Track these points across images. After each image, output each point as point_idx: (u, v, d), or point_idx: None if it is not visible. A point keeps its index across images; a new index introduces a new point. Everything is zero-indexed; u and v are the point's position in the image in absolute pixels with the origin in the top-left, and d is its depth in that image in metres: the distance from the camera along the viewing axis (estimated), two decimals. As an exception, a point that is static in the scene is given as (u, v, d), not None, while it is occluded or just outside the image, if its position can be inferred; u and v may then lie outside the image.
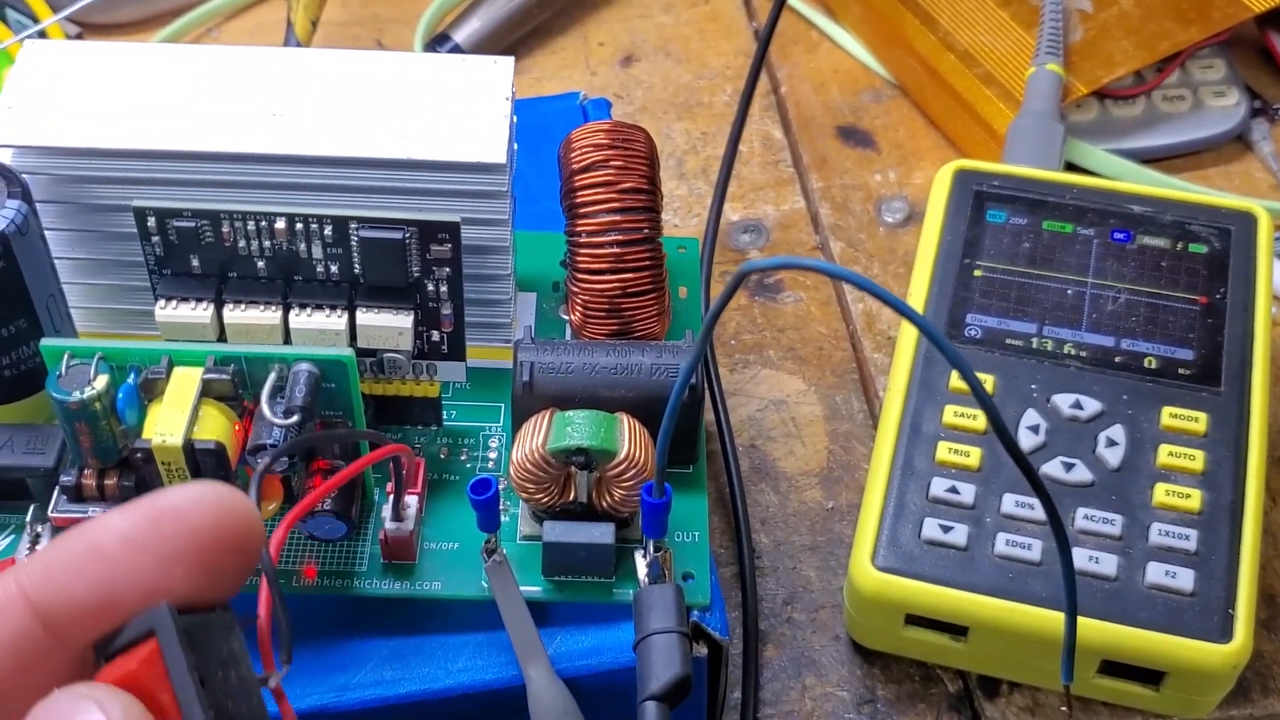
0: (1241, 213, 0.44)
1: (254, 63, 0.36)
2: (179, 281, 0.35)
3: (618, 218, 0.37)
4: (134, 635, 0.20)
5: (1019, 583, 0.36)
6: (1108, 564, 0.37)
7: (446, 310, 0.36)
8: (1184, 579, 0.36)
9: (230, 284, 0.35)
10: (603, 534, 0.34)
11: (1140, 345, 0.41)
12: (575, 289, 0.38)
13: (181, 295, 0.35)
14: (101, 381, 0.32)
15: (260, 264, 0.35)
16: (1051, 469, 0.38)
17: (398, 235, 0.34)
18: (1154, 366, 0.40)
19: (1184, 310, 0.42)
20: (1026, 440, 0.39)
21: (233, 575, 0.22)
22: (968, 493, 0.38)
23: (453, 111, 0.35)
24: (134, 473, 0.33)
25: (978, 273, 0.43)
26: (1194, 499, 0.38)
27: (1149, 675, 0.36)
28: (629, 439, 0.34)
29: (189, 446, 0.32)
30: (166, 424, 0.32)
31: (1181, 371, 0.40)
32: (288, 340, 0.35)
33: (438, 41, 0.57)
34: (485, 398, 0.38)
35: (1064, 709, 0.38)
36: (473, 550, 0.35)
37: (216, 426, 0.32)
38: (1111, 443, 0.39)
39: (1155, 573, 0.36)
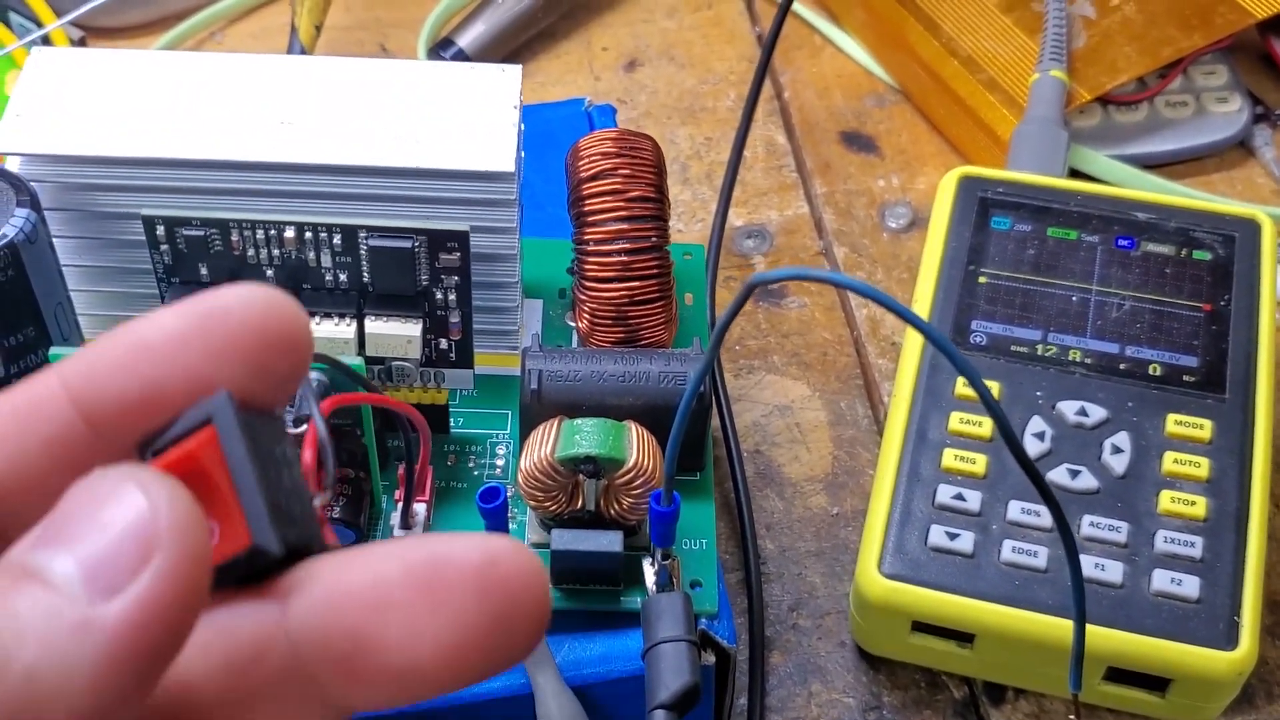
0: (1246, 219, 0.44)
1: (262, 71, 0.36)
2: (187, 290, 0.35)
3: (625, 226, 0.37)
4: (187, 426, 0.19)
5: (1025, 590, 0.37)
6: (1113, 571, 0.37)
7: (455, 318, 0.36)
8: (1189, 586, 0.36)
9: (239, 292, 0.35)
10: (611, 542, 0.34)
11: (1145, 352, 0.41)
12: (582, 296, 0.38)
13: (190, 303, 0.35)
14: (111, 390, 0.32)
15: (269, 272, 0.35)
16: (1057, 476, 0.38)
17: (407, 244, 0.34)
18: (1159, 373, 0.40)
19: (1188, 317, 0.42)
20: (1032, 447, 0.39)
21: (281, 378, 0.20)
22: (974, 500, 0.38)
23: (461, 120, 0.35)
24: (143, 481, 0.33)
25: (982, 279, 0.43)
26: (1199, 506, 0.38)
27: (1155, 682, 0.37)
28: (637, 447, 0.34)
29: (199, 455, 0.32)
30: (176, 433, 0.32)
31: (1186, 378, 0.40)
32: (296, 348, 0.35)
33: (441, 46, 0.57)
34: (493, 405, 0.38)
35: (1071, 717, 0.38)
36: (481, 558, 0.35)
37: (226, 435, 0.32)
38: (1117, 450, 0.39)
39: (1161, 580, 0.36)
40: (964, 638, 0.37)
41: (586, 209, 0.37)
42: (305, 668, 0.18)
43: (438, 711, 0.34)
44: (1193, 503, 0.38)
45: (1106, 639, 0.36)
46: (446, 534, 0.20)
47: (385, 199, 0.35)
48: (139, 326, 0.19)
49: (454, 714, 0.34)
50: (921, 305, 0.42)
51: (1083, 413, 0.40)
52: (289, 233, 0.34)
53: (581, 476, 0.34)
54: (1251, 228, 0.44)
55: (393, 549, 0.18)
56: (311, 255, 0.35)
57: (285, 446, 0.20)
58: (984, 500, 0.38)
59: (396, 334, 0.35)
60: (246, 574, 0.18)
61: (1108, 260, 0.43)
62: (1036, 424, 0.39)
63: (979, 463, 0.39)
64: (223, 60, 0.36)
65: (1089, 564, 0.37)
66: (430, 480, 0.35)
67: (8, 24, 0.56)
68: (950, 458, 0.39)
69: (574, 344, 0.40)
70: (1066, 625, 0.36)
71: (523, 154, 0.37)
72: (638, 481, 0.33)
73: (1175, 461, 0.38)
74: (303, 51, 0.53)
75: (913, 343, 0.42)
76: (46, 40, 0.55)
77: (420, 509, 0.34)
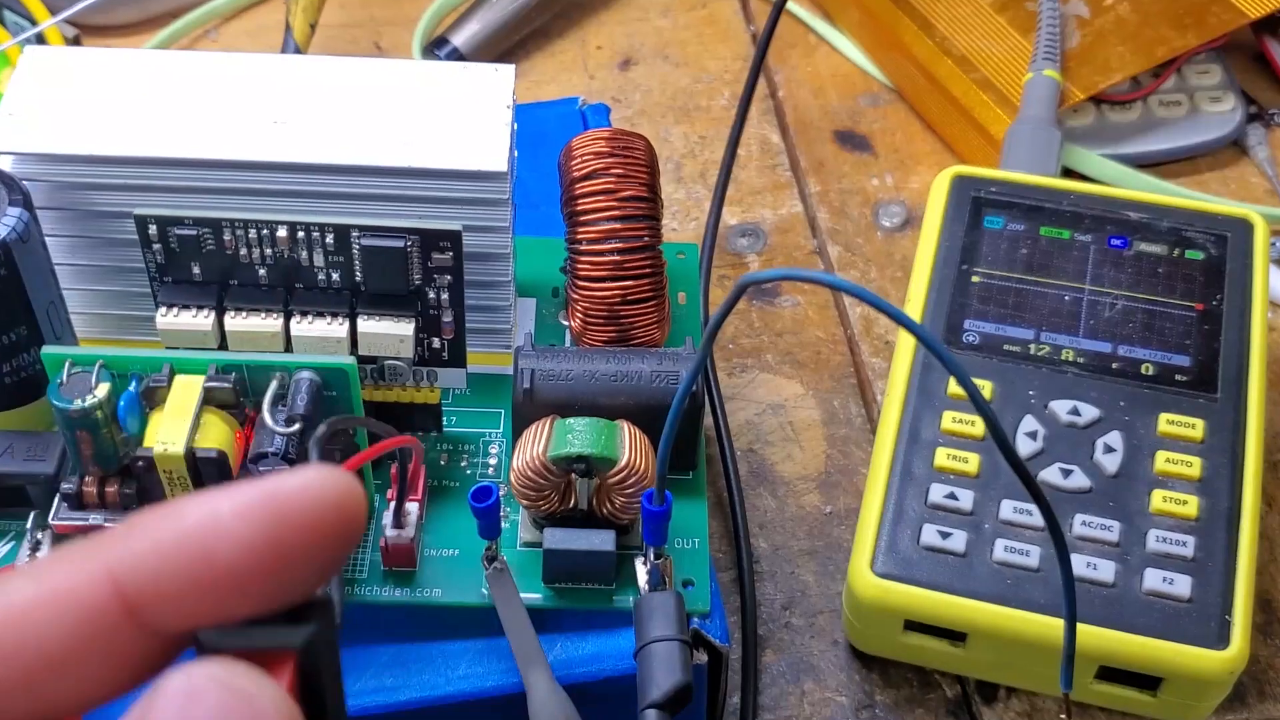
0: (1238, 219, 0.44)
1: (255, 70, 0.36)
2: (180, 289, 0.35)
3: (618, 225, 0.37)
4: (270, 643, 0.18)
5: (1017, 589, 0.37)
6: (1105, 570, 0.37)
7: (447, 318, 0.36)
8: (1181, 585, 0.36)
9: (231, 291, 0.35)
10: (603, 541, 0.34)
11: (1137, 351, 0.41)
12: (575, 296, 0.38)
13: (183, 303, 0.35)
14: (103, 390, 0.32)
15: (261, 272, 0.35)
16: (1049, 475, 0.38)
17: (399, 243, 0.34)
18: (1151, 373, 0.41)
19: (1181, 317, 0.42)
20: (1024, 446, 0.39)
21: (338, 565, 0.20)
22: (966, 499, 0.38)
23: (454, 119, 0.35)
24: (135, 480, 0.33)
25: (975, 278, 0.43)
26: (1191, 505, 0.38)
27: (1146, 681, 0.37)
28: (629, 446, 0.34)
29: (191, 455, 0.32)
30: (168, 432, 0.32)
31: (1178, 378, 0.40)
32: (289, 348, 0.35)
33: (436, 45, 0.57)
34: (485, 404, 0.38)
35: (1063, 716, 0.38)
36: (473, 557, 0.35)
37: (218, 434, 0.32)
38: (1109, 449, 0.39)
39: (1153, 579, 0.37)
40: (956, 637, 0.37)
41: (579, 208, 0.37)
42: (131, 603, 0.18)
43: (428, 710, 0.34)
44: (1184, 502, 0.38)
45: (1098, 638, 0.36)
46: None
47: (378, 198, 0.35)
48: (203, 533, 0.18)
49: (445, 713, 0.34)
50: (914, 304, 0.42)
51: (1075, 412, 0.40)
52: (281, 232, 0.34)
53: (574, 476, 0.34)
54: (1244, 227, 0.44)
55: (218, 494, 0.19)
56: (304, 254, 0.35)
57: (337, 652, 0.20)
58: (976, 499, 0.38)
59: (389, 333, 0.35)
60: None
61: (1100, 260, 0.43)
62: (1029, 423, 0.40)
63: (972, 462, 0.39)
64: (216, 59, 0.36)
65: (1081, 563, 0.37)
66: (423, 479, 0.35)
67: (1, 22, 0.56)
68: (943, 457, 0.39)
69: (567, 343, 0.40)
70: (1059, 624, 0.36)
71: (516, 153, 0.37)
72: (630, 481, 0.34)
73: (1167, 461, 0.39)
74: (297, 49, 0.53)
75: (906, 342, 0.42)
76: (40, 38, 0.55)
77: (413, 508, 0.34)
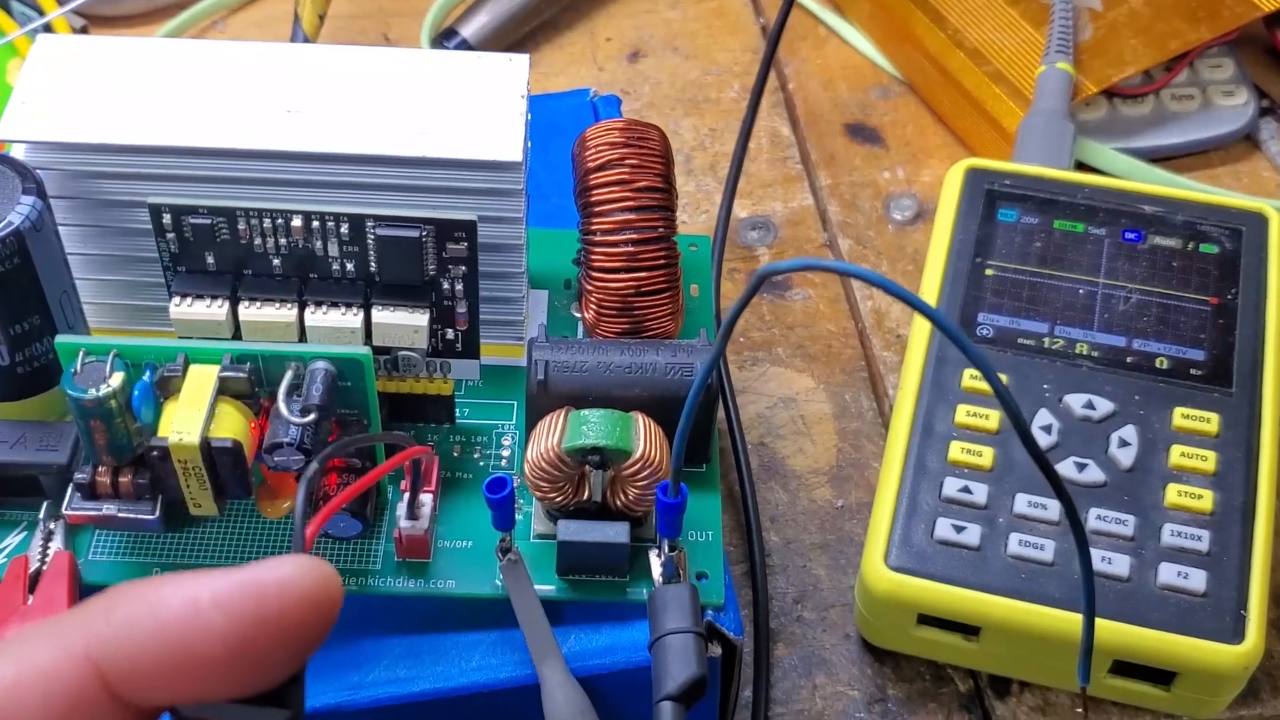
0: (1252, 213, 0.44)
1: (268, 59, 0.36)
2: (194, 278, 0.35)
3: (632, 216, 0.37)
4: None
5: (1031, 583, 0.36)
6: (1120, 564, 0.37)
7: (462, 309, 0.36)
8: (1196, 580, 0.36)
9: (245, 281, 0.35)
10: (618, 533, 0.34)
11: (1152, 345, 0.41)
12: (589, 287, 0.37)
13: (196, 292, 0.35)
14: (117, 379, 0.32)
15: (276, 261, 0.35)
16: (1064, 469, 0.38)
17: (414, 233, 0.34)
18: (1166, 367, 0.40)
19: (1195, 311, 0.42)
20: (1040, 440, 0.39)
21: (313, 650, 0.21)
22: (980, 493, 0.38)
23: (468, 109, 0.35)
24: (149, 470, 0.33)
25: (989, 272, 0.43)
26: (1206, 500, 0.38)
27: (1160, 675, 0.37)
28: (644, 438, 0.34)
29: (205, 444, 0.32)
30: (183, 422, 0.32)
31: (1193, 372, 0.40)
32: (303, 338, 0.35)
33: (445, 36, 0.57)
34: (498, 395, 0.38)
35: (1079, 710, 0.38)
36: (487, 549, 0.35)
37: (233, 424, 0.32)
38: (1124, 443, 0.39)
39: (1167, 573, 0.36)
40: (970, 631, 0.37)
41: (593, 199, 0.37)
42: (109, 683, 0.19)
43: (442, 701, 0.34)
44: (1199, 496, 0.38)
45: (1113, 632, 0.36)
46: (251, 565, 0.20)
47: (393, 188, 0.35)
48: (182, 624, 0.19)
49: (461, 704, 0.34)
50: (928, 297, 0.42)
51: (1090, 406, 0.39)
52: (296, 222, 0.34)
53: (588, 467, 0.34)
54: (1258, 221, 0.43)
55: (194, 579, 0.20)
56: (319, 244, 0.35)
57: None
58: (990, 493, 0.38)
59: (403, 324, 0.35)
60: None
61: (1114, 253, 0.43)
62: (1044, 417, 0.39)
63: (986, 456, 0.39)
64: (229, 48, 0.36)
65: (1096, 557, 0.37)
66: (436, 471, 0.35)
67: (9, 12, 0.56)
68: (957, 450, 0.39)
69: (579, 335, 0.39)
70: (1073, 618, 0.36)
71: (529, 144, 0.36)
72: (644, 473, 0.33)
73: (1182, 455, 0.38)
74: (306, 40, 0.53)
75: (919, 336, 0.42)
76: (48, 29, 0.55)
77: (426, 499, 0.34)
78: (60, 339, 0.32)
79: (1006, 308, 0.42)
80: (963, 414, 0.39)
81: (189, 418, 0.32)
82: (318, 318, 0.35)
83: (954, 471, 0.39)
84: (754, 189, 0.53)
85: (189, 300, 0.35)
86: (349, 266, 0.35)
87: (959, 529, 0.37)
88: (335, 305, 0.35)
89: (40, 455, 0.34)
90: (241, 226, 0.34)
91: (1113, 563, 0.37)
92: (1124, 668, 0.37)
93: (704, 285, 0.41)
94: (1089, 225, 0.44)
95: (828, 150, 0.54)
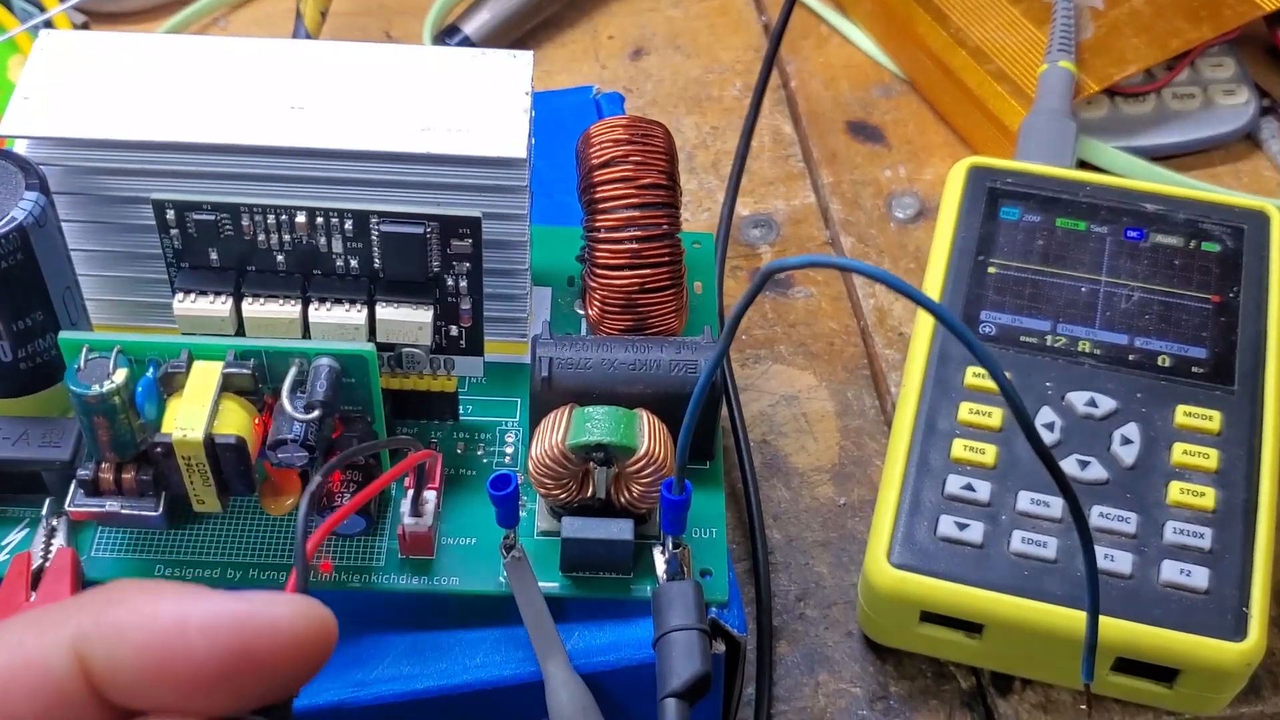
0: (1254, 211, 0.44)
1: (271, 55, 0.36)
2: (197, 274, 0.35)
3: (636, 213, 0.37)
4: None
5: (1034, 580, 0.36)
6: (1123, 562, 0.37)
7: (466, 305, 0.36)
8: (1198, 577, 0.36)
9: (249, 277, 0.35)
10: (622, 530, 0.34)
11: (1154, 343, 0.41)
12: (593, 284, 0.37)
13: (200, 288, 0.35)
14: (121, 375, 0.32)
15: (280, 258, 0.35)
16: (1067, 467, 0.38)
17: (418, 230, 0.34)
18: (1168, 365, 0.40)
19: (1197, 309, 0.42)
20: (1042, 438, 0.39)
21: (304, 683, 0.21)
22: (983, 490, 0.38)
23: (472, 106, 0.35)
24: (152, 466, 0.33)
25: (992, 269, 0.43)
26: (1208, 497, 0.38)
27: (1163, 673, 0.37)
28: (648, 435, 0.34)
29: (209, 441, 0.32)
30: (187, 418, 0.31)
31: (1195, 370, 0.40)
32: (306, 334, 0.35)
33: (447, 33, 0.56)
34: (501, 392, 0.38)
35: (1082, 707, 0.38)
36: (490, 546, 0.35)
37: (237, 421, 0.32)
38: (1126, 441, 0.39)
39: (1170, 571, 0.36)
40: (972, 628, 0.37)
41: (598, 196, 0.37)
42: (95, 680, 0.20)
43: (445, 698, 0.34)
44: (1202, 494, 0.38)
45: (1115, 629, 0.36)
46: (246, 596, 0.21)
47: (397, 185, 0.34)
48: (166, 641, 0.19)
49: (464, 702, 0.34)
50: (931, 295, 0.42)
51: (1092, 403, 0.39)
52: (300, 218, 0.34)
53: (592, 464, 0.34)
54: (1260, 219, 0.44)
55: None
56: (323, 241, 0.35)
57: None
58: (994, 491, 0.38)
59: (408, 320, 0.35)
60: None
61: (1116, 251, 0.43)
62: (1046, 414, 0.39)
63: (989, 453, 0.39)
64: (232, 44, 0.36)
65: (1098, 554, 0.37)
66: (440, 468, 0.35)
67: (9, 8, 0.56)
68: (960, 448, 0.39)
69: (583, 332, 0.39)
70: (1076, 616, 0.36)
71: (533, 140, 0.36)
72: (649, 469, 0.33)
73: (1184, 453, 0.38)
74: (308, 37, 0.53)
75: (922, 333, 0.42)
76: (49, 25, 0.55)
77: (430, 496, 0.34)
78: (64, 335, 0.32)
79: (1009, 305, 0.42)
80: (965, 411, 0.39)
81: (193, 414, 0.32)
82: (321, 314, 0.35)
83: (957, 469, 0.39)
84: (756, 187, 0.53)
85: (192, 296, 0.35)
86: (353, 263, 0.35)
87: (962, 526, 0.37)
88: (339, 302, 0.35)
89: (43, 452, 0.34)
90: (245, 223, 0.34)
91: (1115, 560, 0.37)
92: (1126, 665, 0.37)
93: (707, 283, 0.41)
94: (1091, 223, 0.44)
95: (830, 148, 0.54)
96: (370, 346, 0.33)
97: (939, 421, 0.39)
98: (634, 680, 0.34)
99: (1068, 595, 0.36)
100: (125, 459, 0.33)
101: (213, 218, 0.34)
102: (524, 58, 0.36)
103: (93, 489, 0.33)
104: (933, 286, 0.43)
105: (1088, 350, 0.41)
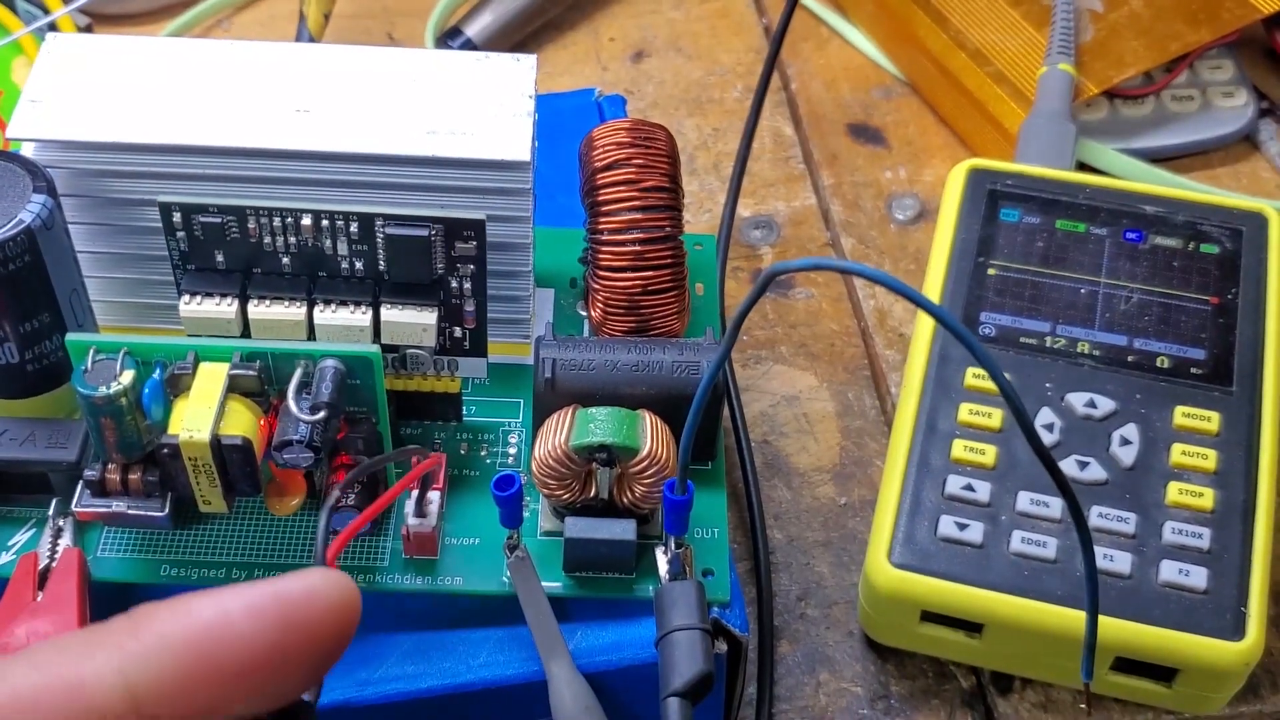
0: (1253, 213, 0.44)
1: (276, 57, 0.36)
2: (203, 277, 0.35)
3: (639, 216, 0.37)
4: None
5: (1034, 580, 0.37)
6: (1122, 562, 0.37)
7: (469, 307, 0.36)
8: (1197, 577, 0.37)
9: (255, 280, 0.35)
10: (625, 530, 0.34)
11: (1153, 345, 0.41)
12: (596, 286, 0.38)
13: (206, 290, 0.35)
14: (128, 377, 0.32)
15: (285, 260, 0.35)
16: (1066, 467, 0.39)
17: (423, 232, 0.34)
18: (1167, 366, 0.41)
19: (1196, 310, 0.42)
20: (1042, 439, 0.39)
21: (332, 663, 0.21)
22: (983, 490, 0.38)
23: (476, 109, 0.35)
24: (158, 467, 0.33)
25: (992, 271, 0.43)
26: (1207, 498, 0.38)
27: (1162, 672, 0.37)
28: (651, 436, 0.34)
29: (216, 442, 0.32)
30: (194, 419, 0.32)
31: (1194, 371, 0.41)
32: (312, 336, 0.35)
33: (449, 36, 0.57)
34: (504, 393, 0.38)
35: (1082, 707, 0.38)
36: (494, 546, 0.35)
37: (243, 422, 0.32)
38: (1125, 441, 0.39)
39: (1169, 571, 0.37)
40: (972, 628, 0.38)
41: (601, 198, 0.37)
42: (135, 698, 0.19)
43: (449, 698, 0.34)
44: (1200, 494, 0.38)
45: (1114, 629, 0.36)
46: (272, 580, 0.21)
47: (402, 187, 0.35)
48: (213, 631, 0.19)
49: (468, 701, 0.34)
50: (931, 297, 0.43)
51: (1091, 404, 0.40)
52: (306, 220, 0.34)
53: (595, 465, 0.34)
54: (1258, 221, 0.44)
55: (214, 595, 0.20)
56: (328, 243, 0.35)
57: None
58: (994, 491, 0.38)
59: (412, 322, 0.35)
60: None
61: (1116, 253, 0.43)
62: (1045, 415, 0.40)
63: (989, 454, 0.39)
64: (237, 47, 0.36)
65: (1097, 554, 0.37)
66: (444, 469, 0.35)
67: (14, 10, 0.56)
68: (960, 448, 0.39)
69: (585, 333, 0.40)
70: (1076, 615, 0.36)
71: (536, 143, 0.37)
72: (651, 470, 0.34)
73: (1183, 453, 0.39)
74: (311, 39, 0.53)
75: (922, 334, 0.42)
76: (53, 27, 0.55)
77: (434, 497, 0.34)
78: (71, 337, 0.32)
79: (1009, 307, 0.42)
80: (965, 412, 0.40)
81: (199, 415, 0.32)
82: (327, 316, 0.35)
83: (957, 469, 0.39)
84: (757, 189, 0.53)
85: (198, 298, 0.35)
86: (358, 265, 0.35)
87: (962, 526, 0.38)
88: (344, 304, 0.35)
89: (50, 453, 0.34)
90: (251, 225, 0.35)
91: (1114, 560, 0.37)
92: (1125, 664, 0.37)
93: (709, 284, 0.41)
94: (1090, 225, 0.44)
95: (830, 150, 0.54)
96: (375, 348, 0.33)
97: (939, 422, 0.40)
98: (637, 680, 0.34)
99: (1067, 595, 0.36)
100: (132, 460, 0.33)
101: (219, 220, 0.34)
102: (527, 61, 0.37)
103: (99, 489, 0.33)
104: (933, 288, 0.43)
105: (1087, 351, 0.41)
